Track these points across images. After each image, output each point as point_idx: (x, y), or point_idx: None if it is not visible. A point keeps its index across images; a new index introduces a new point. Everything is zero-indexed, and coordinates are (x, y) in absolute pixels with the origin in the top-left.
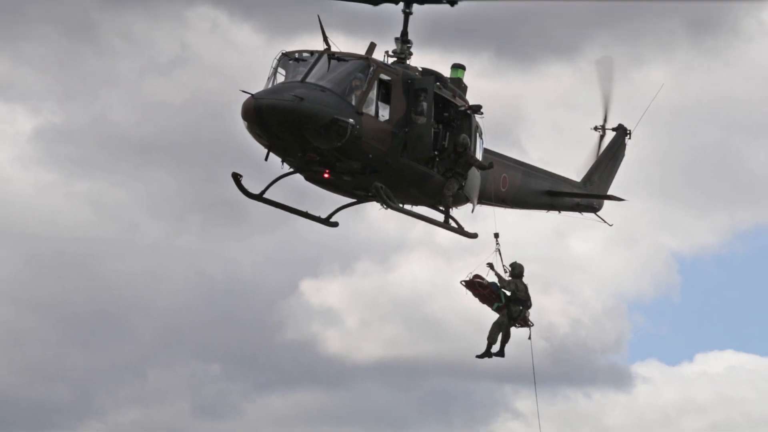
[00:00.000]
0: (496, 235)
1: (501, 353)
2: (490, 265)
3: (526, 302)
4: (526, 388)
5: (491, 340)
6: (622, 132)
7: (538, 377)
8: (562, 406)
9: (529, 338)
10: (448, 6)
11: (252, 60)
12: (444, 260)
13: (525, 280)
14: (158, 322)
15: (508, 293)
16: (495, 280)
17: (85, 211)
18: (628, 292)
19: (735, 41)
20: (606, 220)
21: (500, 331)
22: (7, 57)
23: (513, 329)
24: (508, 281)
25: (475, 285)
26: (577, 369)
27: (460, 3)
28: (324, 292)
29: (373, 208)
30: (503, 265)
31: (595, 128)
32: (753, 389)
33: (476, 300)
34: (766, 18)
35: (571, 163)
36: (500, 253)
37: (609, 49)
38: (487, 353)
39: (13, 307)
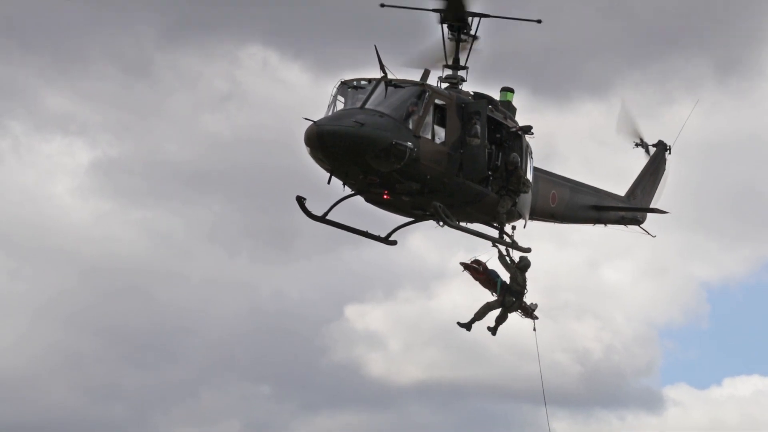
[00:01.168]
0: (513, 228)
1: (494, 331)
2: (509, 239)
3: (520, 294)
4: (562, 410)
5: (476, 316)
6: (662, 148)
7: (573, 400)
8: (595, 427)
9: (534, 329)
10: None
11: (300, 96)
12: (481, 288)
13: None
14: (211, 345)
15: (506, 281)
16: (498, 265)
17: (140, 239)
18: (660, 319)
19: (761, 82)
20: (649, 232)
21: (488, 311)
22: (67, 93)
23: (520, 319)
24: (511, 266)
25: (472, 268)
26: (611, 392)
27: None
28: (368, 317)
29: (429, 226)
30: (510, 258)
31: (636, 144)
32: None
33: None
34: None
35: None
36: (513, 244)
37: (639, 88)
38: (466, 325)
39: (73, 329)
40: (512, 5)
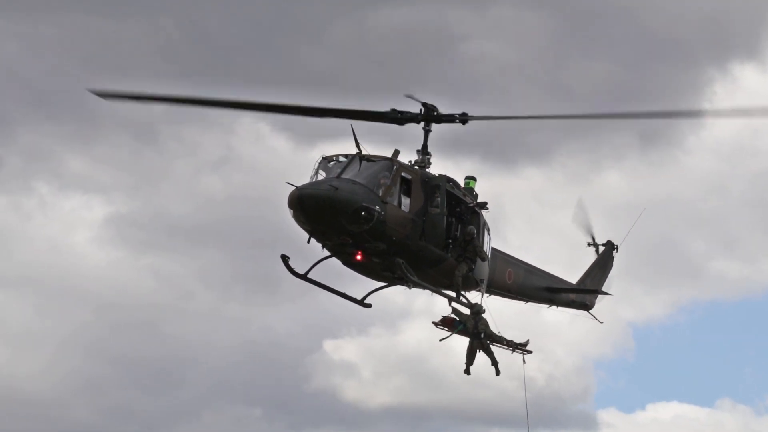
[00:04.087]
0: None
1: (496, 371)
2: (453, 309)
3: (477, 335)
4: (510, 430)
5: (468, 361)
6: (610, 247)
7: (521, 421)
8: None
9: (524, 362)
10: (460, 125)
11: (286, 162)
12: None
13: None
14: (208, 373)
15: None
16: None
17: (148, 282)
18: (593, 353)
19: (676, 152)
20: (597, 317)
21: (473, 353)
22: (85, 157)
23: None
24: (466, 316)
25: (441, 325)
26: (553, 415)
27: (470, 122)
28: (343, 350)
29: (399, 292)
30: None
31: (588, 244)
32: None
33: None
34: (704, 135)
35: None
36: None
37: (574, 157)
38: (466, 371)
39: (89, 359)
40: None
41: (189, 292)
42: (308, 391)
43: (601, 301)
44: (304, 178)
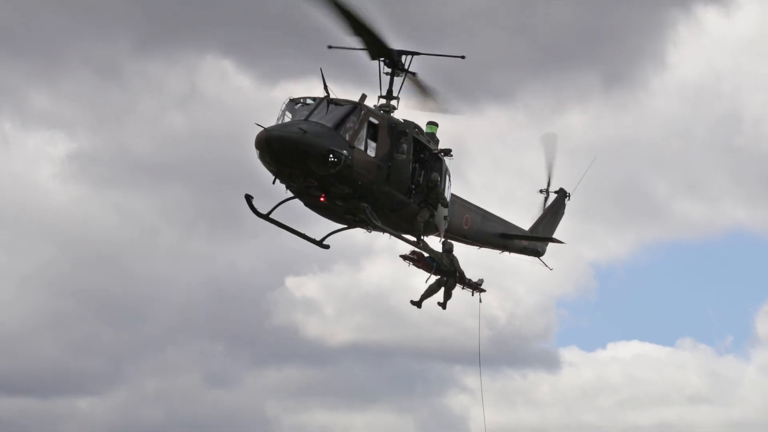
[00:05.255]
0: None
1: (443, 306)
2: (423, 244)
3: (452, 273)
4: (474, 368)
5: (424, 296)
6: (562, 194)
7: (483, 359)
8: (502, 384)
9: (480, 301)
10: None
11: (251, 100)
12: (403, 263)
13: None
14: (173, 308)
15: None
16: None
17: (112, 219)
18: (556, 293)
19: (640, 93)
20: (547, 264)
21: (433, 291)
22: (49, 92)
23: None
24: (438, 253)
25: (411, 258)
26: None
27: (434, 63)
28: (305, 287)
29: (359, 232)
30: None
31: (540, 191)
32: (654, 372)
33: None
34: (668, 77)
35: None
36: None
37: (538, 97)
38: (417, 303)
39: (54, 294)
40: (436, 41)
41: (152, 229)
42: (271, 327)
43: (550, 246)
44: (266, 117)
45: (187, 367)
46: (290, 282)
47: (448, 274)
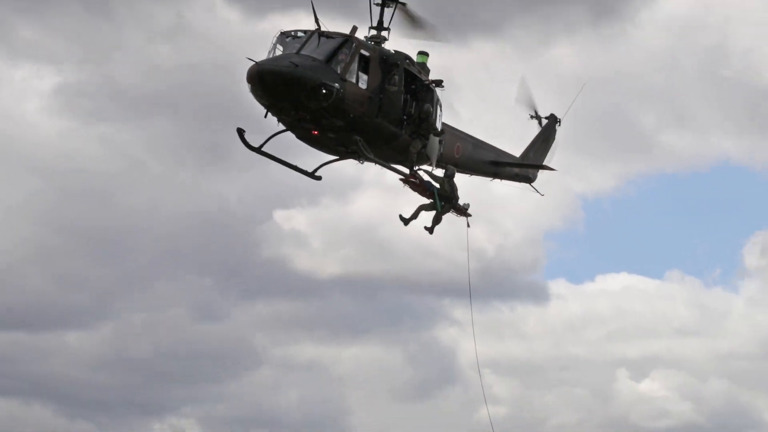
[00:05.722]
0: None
1: (431, 230)
2: (426, 171)
3: (451, 198)
4: (463, 300)
5: (413, 216)
6: (553, 120)
7: (471, 292)
8: (490, 316)
9: (468, 226)
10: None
11: (239, 32)
12: (393, 196)
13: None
14: (160, 243)
15: (438, 186)
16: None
17: (99, 152)
18: (543, 225)
19: (628, 26)
20: (538, 190)
21: (421, 211)
22: (36, 26)
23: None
24: (440, 178)
25: (410, 181)
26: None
27: None
28: (294, 220)
29: (351, 164)
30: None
31: (531, 117)
32: (643, 304)
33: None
34: (656, 10)
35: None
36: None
37: (526, 29)
38: (406, 220)
39: (40, 228)
40: None
41: (140, 161)
42: (259, 260)
43: (543, 173)
44: (255, 50)
45: (175, 300)
46: (278, 215)
47: (446, 200)
